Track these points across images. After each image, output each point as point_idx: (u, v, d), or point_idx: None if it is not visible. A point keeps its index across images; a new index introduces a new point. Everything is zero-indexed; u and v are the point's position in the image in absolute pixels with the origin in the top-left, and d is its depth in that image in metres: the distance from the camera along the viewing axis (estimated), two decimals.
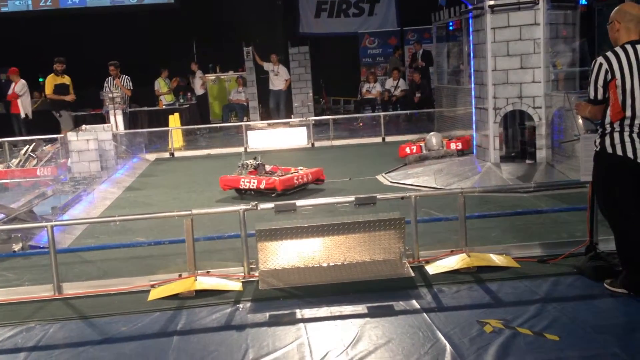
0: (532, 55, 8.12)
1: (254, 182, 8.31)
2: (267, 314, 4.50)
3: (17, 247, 6.42)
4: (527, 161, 8.53)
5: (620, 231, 4.38)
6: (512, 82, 8.25)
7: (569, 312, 4.20)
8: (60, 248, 6.10)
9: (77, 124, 13.89)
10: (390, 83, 16.84)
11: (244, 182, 8.37)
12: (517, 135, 8.89)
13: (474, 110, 9.09)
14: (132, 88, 14.04)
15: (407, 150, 10.64)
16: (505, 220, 6.54)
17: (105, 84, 13.92)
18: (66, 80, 13.38)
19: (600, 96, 4.31)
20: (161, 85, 16.74)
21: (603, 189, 4.46)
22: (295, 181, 8.44)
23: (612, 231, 4.48)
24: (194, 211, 5.14)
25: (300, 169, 8.79)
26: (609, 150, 4.32)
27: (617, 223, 4.40)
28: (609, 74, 4.23)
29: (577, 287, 4.64)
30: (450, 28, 12.70)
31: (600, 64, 4.28)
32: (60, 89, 13.35)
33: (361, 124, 15.83)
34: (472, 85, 9.05)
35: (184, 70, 17.96)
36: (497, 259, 5.16)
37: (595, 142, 4.45)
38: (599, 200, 4.57)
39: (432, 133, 10.97)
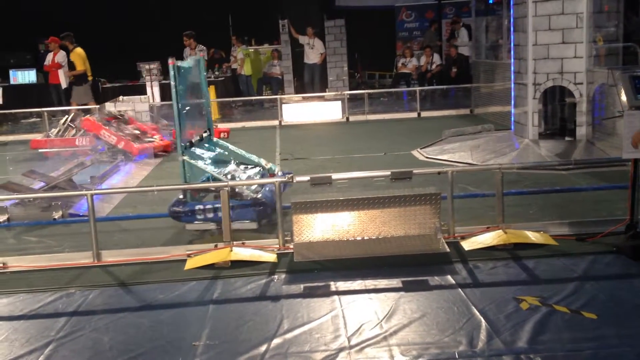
0: (574, 30, 7.94)
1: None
2: (302, 286, 4.54)
3: (57, 214, 6.55)
4: (567, 138, 8.38)
5: None
6: (552, 57, 8.08)
7: (606, 290, 4.14)
8: (99, 217, 6.20)
9: (114, 95, 14.02)
10: (424, 60, 16.61)
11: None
12: (557, 112, 8.72)
13: (512, 85, 8.94)
14: (207, 58, 14.17)
15: None
16: (543, 197, 6.46)
17: (185, 56, 14.04)
18: (73, 55, 13.40)
19: None
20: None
21: None
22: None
23: None
24: (230, 182, 5.18)
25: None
26: None
27: None
28: None
29: (615, 265, 4.59)
30: (490, 1, 12.45)
31: None
32: (71, 64, 13.55)
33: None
34: (512, 60, 8.89)
35: (220, 42, 17.95)
36: (533, 237, 5.11)
37: None
38: None
39: None
